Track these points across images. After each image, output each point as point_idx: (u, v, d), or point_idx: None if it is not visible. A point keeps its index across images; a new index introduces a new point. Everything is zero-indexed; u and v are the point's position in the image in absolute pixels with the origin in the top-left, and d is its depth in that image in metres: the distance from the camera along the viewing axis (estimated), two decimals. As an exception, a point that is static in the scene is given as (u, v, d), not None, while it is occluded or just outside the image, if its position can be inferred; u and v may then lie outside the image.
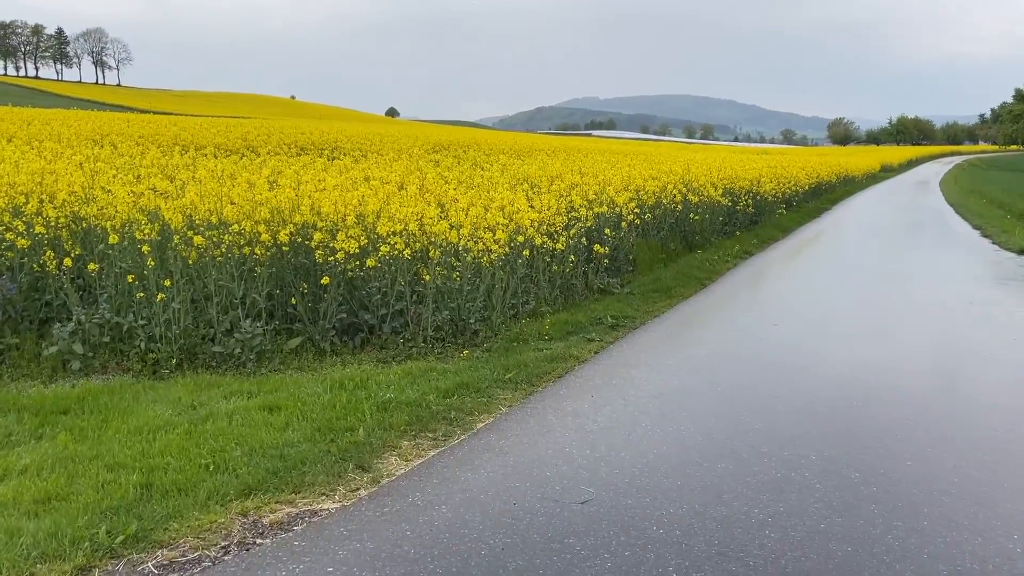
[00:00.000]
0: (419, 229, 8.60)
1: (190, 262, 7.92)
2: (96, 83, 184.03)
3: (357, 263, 8.36)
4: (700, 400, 6.58)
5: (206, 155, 17.84)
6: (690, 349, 8.49)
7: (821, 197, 35.17)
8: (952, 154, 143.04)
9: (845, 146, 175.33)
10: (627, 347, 8.40)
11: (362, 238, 8.48)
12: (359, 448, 5.41)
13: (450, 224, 8.85)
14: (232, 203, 8.25)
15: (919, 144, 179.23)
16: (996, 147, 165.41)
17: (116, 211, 8.06)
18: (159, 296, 7.50)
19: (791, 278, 13.66)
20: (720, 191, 18.08)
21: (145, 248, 7.64)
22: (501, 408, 6.43)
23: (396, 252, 8.31)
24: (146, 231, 7.77)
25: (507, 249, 9.32)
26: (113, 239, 7.84)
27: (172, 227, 7.81)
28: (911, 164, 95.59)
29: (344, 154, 20.63)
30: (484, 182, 11.67)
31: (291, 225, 8.26)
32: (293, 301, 8.23)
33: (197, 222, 7.98)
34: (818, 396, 6.71)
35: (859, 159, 64.78)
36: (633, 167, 17.39)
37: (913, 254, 17.68)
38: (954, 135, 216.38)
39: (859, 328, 9.47)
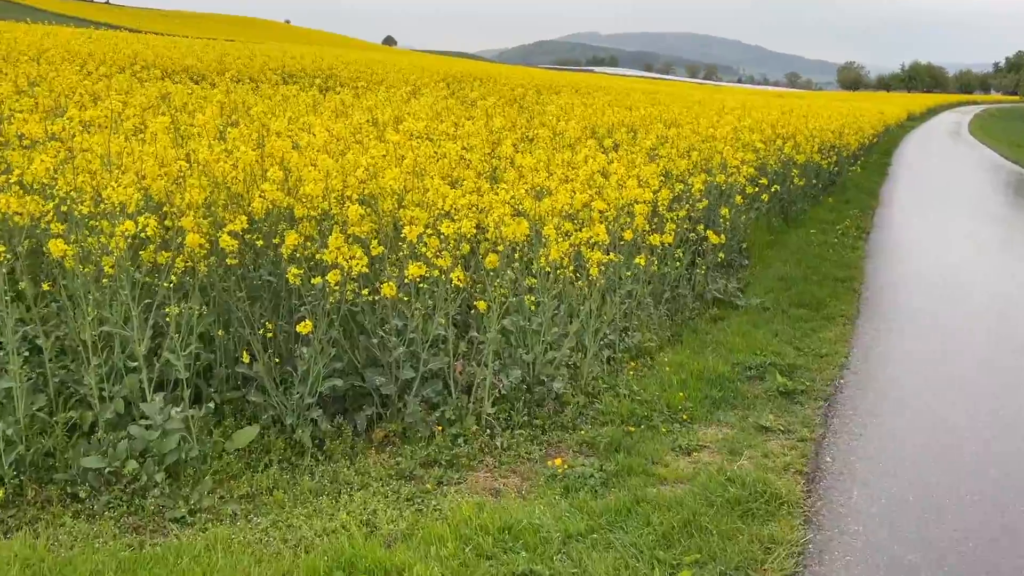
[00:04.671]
0: (473, 226, 4.81)
1: (45, 287, 4.18)
2: None
3: (365, 290, 4.61)
4: None
5: (175, 80, 13.83)
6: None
7: (872, 149, 31.77)
8: (968, 103, 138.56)
9: (855, 91, 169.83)
10: (850, 459, 4.71)
11: (373, 242, 4.72)
12: None
13: (529, 219, 5.08)
14: (139, 177, 4.44)
15: (931, 92, 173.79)
16: (1017, 97, 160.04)
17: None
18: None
19: (992, 285, 9.84)
20: (816, 146, 14.28)
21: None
22: None
23: (437, 274, 4.56)
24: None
25: (612, 255, 5.57)
26: None
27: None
28: (930, 113, 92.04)
29: (341, 85, 16.59)
30: (543, 136, 7.84)
31: (241, 216, 4.47)
32: (244, 357, 4.50)
33: (44, 210, 4.20)
34: None
35: (891, 107, 61.12)
36: (724, 114, 13.48)
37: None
38: (967, 83, 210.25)
39: None
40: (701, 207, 7.51)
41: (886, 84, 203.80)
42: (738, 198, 8.77)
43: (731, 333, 6.88)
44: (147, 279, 4.65)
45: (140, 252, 4.29)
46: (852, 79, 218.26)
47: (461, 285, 4.58)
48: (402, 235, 4.59)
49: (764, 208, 10.33)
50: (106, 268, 4.05)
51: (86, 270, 4.17)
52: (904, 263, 10.39)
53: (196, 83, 14.34)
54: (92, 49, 17.83)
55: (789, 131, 12.75)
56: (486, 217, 5.01)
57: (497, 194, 5.09)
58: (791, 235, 11.59)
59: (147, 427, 4.15)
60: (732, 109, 15.66)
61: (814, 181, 14.54)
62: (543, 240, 5.17)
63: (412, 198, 5.02)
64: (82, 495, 3.92)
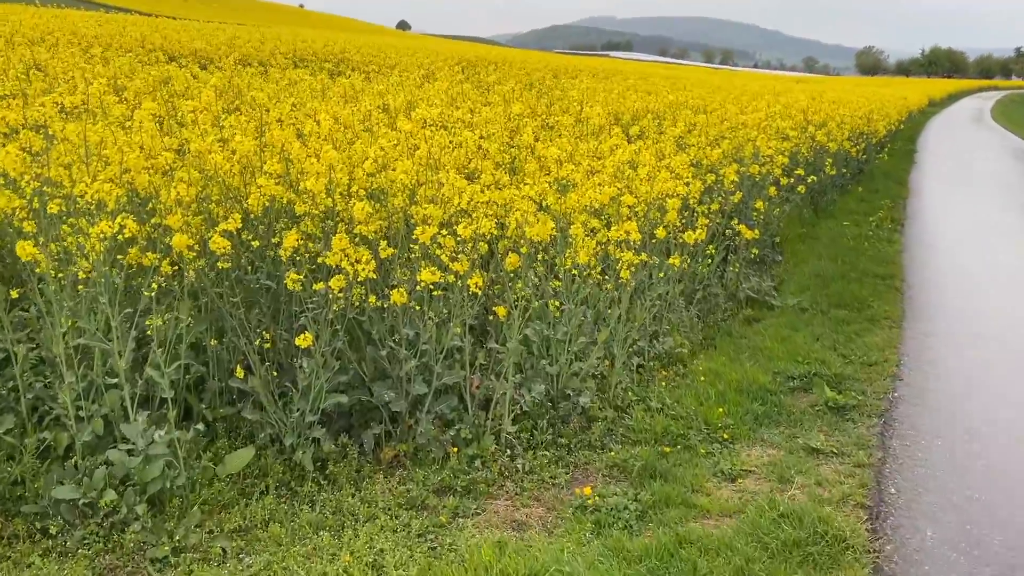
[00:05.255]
0: (494, 226, 4.31)
1: (14, 294, 3.73)
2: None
3: (372, 297, 4.14)
4: None
5: (181, 65, 13.36)
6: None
7: (896, 136, 31.07)
8: (989, 88, 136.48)
9: (874, 76, 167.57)
10: (918, 491, 4.21)
11: (382, 243, 4.25)
12: None
13: (552, 215, 4.59)
14: (125, 171, 3.96)
15: (950, 77, 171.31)
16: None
17: None
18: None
19: None
20: (846, 133, 13.68)
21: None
22: None
23: (453, 279, 4.08)
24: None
25: (644, 255, 5.07)
26: None
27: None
28: (951, 99, 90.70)
29: (352, 69, 16.09)
30: (565, 123, 7.31)
31: (236, 214, 3.99)
32: (239, 372, 4.03)
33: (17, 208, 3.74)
34: None
35: (912, 92, 60.12)
36: (753, 99, 12.88)
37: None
38: (987, 69, 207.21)
39: None
40: (736, 200, 6.99)
41: (905, 69, 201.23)
42: (771, 189, 8.24)
43: (768, 337, 6.37)
44: (132, 282, 4.21)
45: (121, 255, 3.82)
46: (871, 64, 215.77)
47: (479, 292, 4.08)
48: (414, 235, 4.10)
49: (798, 200, 9.79)
50: (80, 274, 3.59)
51: (59, 275, 3.72)
52: (943, 257, 9.83)
53: (203, 68, 13.87)
54: (99, 32, 17.40)
55: (821, 117, 12.16)
56: (507, 215, 4.52)
57: (520, 188, 4.59)
58: (822, 227, 11.03)
59: (128, 451, 3.70)
60: (760, 94, 15.06)
61: (843, 170, 13.95)
62: (568, 239, 4.67)
63: (425, 193, 4.54)
64: (53, 530, 3.48)
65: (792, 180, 8.64)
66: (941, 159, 24.46)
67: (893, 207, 13.58)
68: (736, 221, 6.95)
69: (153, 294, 3.62)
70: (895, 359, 5.95)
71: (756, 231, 7.39)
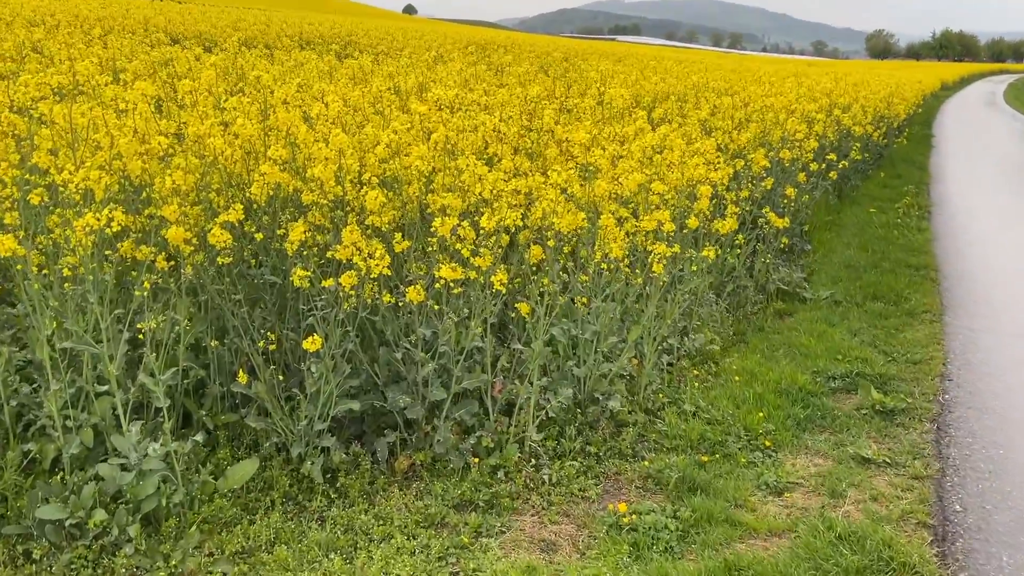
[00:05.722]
0: (519, 217, 3.95)
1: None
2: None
3: (387, 295, 3.79)
4: None
5: (185, 48, 12.98)
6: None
7: (911, 120, 30.58)
8: (1001, 72, 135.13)
9: (884, 60, 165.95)
10: (985, 508, 3.85)
11: (397, 235, 3.89)
12: None
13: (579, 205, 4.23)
14: (116, 158, 3.61)
15: (961, 60, 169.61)
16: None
17: None
18: None
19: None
20: (869, 117, 13.26)
21: None
22: None
23: (474, 276, 3.72)
24: None
25: (677, 246, 4.71)
26: None
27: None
28: (963, 82, 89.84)
29: (360, 51, 15.69)
30: (586, 106, 6.92)
31: (237, 205, 3.64)
32: (241, 377, 3.69)
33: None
34: None
35: (925, 76, 59.46)
36: (776, 81, 12.44)
37: None
38: (999, 52, 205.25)
39: None
40: (767, 186, 6.61)
41: (916, 53, 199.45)
42: (801, 175, 7.86)
43: (803, 332, 6.01)
44: (128, 276, 3.87)
45: (110, 250, 3.48)
46: (881, 48, 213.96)
47: (503, 290, 3.73)
48: (432, 227, 3.74)
49: (828, 186, 9.40)
50: (65, 271, 3.25)
51: (45, 272, 3.39)
52: (976, 247, 9.43)
53: (208, 50, 13.49)
54: (102, 15, 17.03)
55: (846, 100, 11.74)
56: (533, 205, 4.16)
57: (547, 176, 4.23)
58: (847, 214, 10.64)
59: (120, 466, 3.37)
60: (783, 76, 14.62)
61: (865, 155, 13.55)
62: (596, 231, 4.31)
63: (442, 181, 4.18)
64: (37, 554, 3.15)
65: (824, 165, 8.25)
66: (959, 143, 24.05)
67: (917, 193, 13.19)
68: (768, 209, 6.57)
69: (146, 293, 3.28)
70: (940, 356, 5.58)
71: (786, 219, 7.01)
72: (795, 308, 6.68)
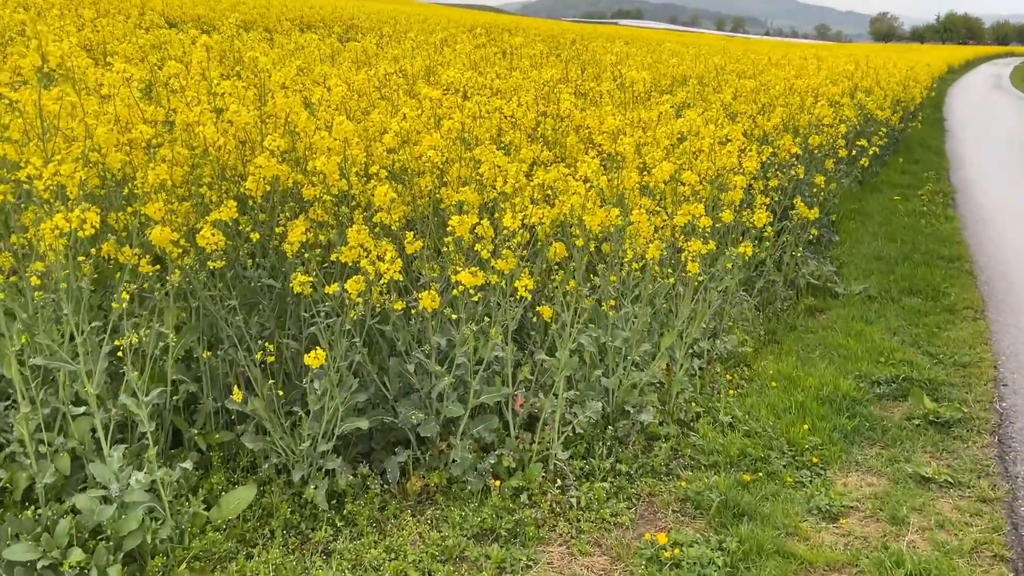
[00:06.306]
0: (545, 214, 3.55)
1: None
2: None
3: (399, 303, 3.39)
4: None
5: (182, 31, 12.53)
6: None
7: (922, 103, 30.10)
8: (1006, 55, 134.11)
9: (888, 43, 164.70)
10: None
11: (408, 235, 3.49)
12: None
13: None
14: (93, 149, 3.22)
15: (966, 44, 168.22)
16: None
17: None
18: None
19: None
20: (889, 100, 12.81)
21: None
22: None
23: (496, 280, 3.33)
24: None
25: (712, 243, 4.30)
26: None
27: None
28: (968, 65, 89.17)
29: (363, 34, 15.24)
30: (605, 90, 6.50)
31: (230, 202, 3.24)
32: (236, 394, 3.30)
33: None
34: None
35: (932, 59, 58.88)
36: (796, 64, 11.98)
37: None
38: (1004, 35, 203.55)
39: None
40: (798, 174, 6.21)
41: (920, 36, 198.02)
42: (829, 163, 7.45)
43: (839, 331, 5.63)
44: (110, 281, 3.50)
45: (88, 252, 3.10)
46: (885, 31, 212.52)
47: (528, 296, 3.34)
48: (449, 226, 3.34)
49: (858, 173, 8.98)
50: (33, 279, 2.86)
51: (13, 279, 3.00)
52: (1008, 236, 9.02)
53: (206, 34, 13.05)
54: (95, -2, 16.52)
55: (868, 83, 11.30)
56: (555, 197, 3.76)
57: (572, 167, 3.84)
58: (871, 202, 10.22)
59: (101, 498, 3.00)
60: (805, 58, 14.16)
61: (885, 140, 13.12)
62: (626, 228, 3.92)
63: (459, 173, 3.78)
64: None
65: (855, 152, 7.84)
66: (972, 127, 23.64)
67: (938, 179, 12.79)
68: (799, 199, 6.16)
69: (124, 305, 2.89)
70: (990, 359, 5.19)
71: (816, 209, 6.61)
72: (827, 304, 6.29)
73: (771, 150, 6.31)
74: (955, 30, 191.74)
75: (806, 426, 4.17)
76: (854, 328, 5.66)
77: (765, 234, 5.98)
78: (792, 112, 7.46)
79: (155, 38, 8.47)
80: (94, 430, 3.14)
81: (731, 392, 4.62)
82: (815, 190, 6.89)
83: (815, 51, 30.80)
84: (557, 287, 3.83)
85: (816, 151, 7.20)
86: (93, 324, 3.03)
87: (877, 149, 8.94)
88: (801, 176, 6.23)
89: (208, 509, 3.23)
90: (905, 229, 8.74)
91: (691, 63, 9.83)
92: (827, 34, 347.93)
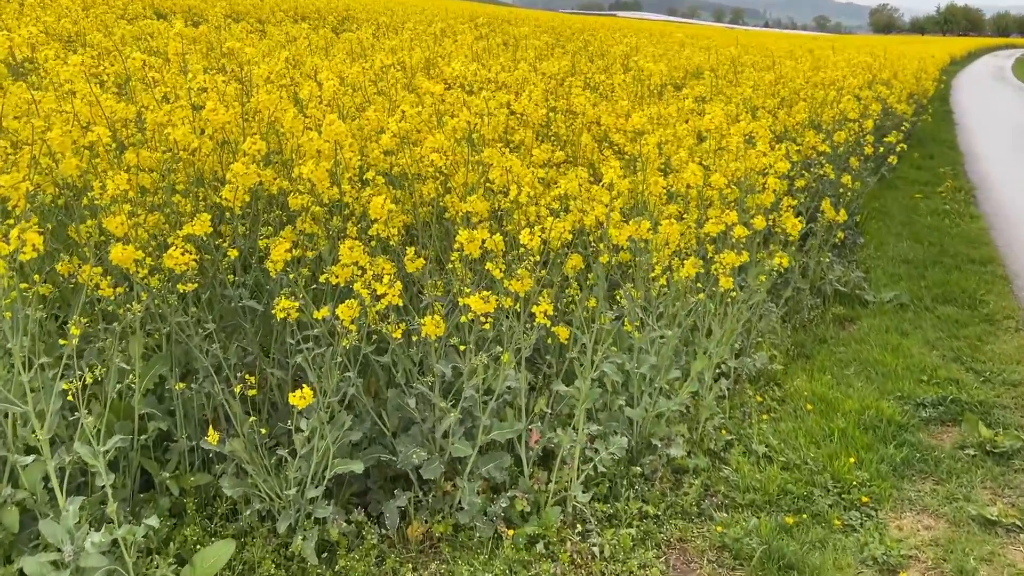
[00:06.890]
0: (567, 227, 3.11)
1: None
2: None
3: (397, 331, 2.96)
4: None
5: (170, 23, 12.08)
6: None
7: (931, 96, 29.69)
8: (1006, 47, 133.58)
9: (888, 35, 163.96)
10: None
11: (410, 251, 3.06)
12: None
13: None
14: (38, 157, 2.79)
15: (966, 35, 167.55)
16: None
17: None
18: None
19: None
20: (905, 94, 12.37)
21: None
22: None
23: (509, 304, 2.90)
24: None
25: (746, 255, 3.87)
26: None
27: None
28: (970, 57, 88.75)
29: (358, 25, 14.77)
30: (618, 82, 6.07)
31: (203, 215, 2.81)
32: (211, 436, 2.86)
33: None
34: None
35: (936, 51, 58.45)
36: (812, 55, 11.52)
37: None
38: (1004, 27, 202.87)
39: None
40: (827, 174, 5.78)
41: (920, 27, 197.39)
42: (853, 160, 7.02)
43: (873, 345, 5.21)
44: (69, 303, 3.08)
45: (39, 274, 2.67)
46: (885, 22, 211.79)
47: (548, 323, 2.91)
48: (456, 243, 2.91)
49: (885, 172, 8.55)
50: None
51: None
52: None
53: (196, 25, 12.58)
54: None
55: (886, 75, 10.86)
56: (575, 205, 3.33)
57: (591, 170, 3.41)
58: (890, 200, 9.80)
59: (52, 562, 2.57)
60: (823, 49, 13.70)
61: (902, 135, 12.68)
62: (651, 241, 3.48)
63: (466, 178, 3.35)
64: None
65: (882, 148, 7.41)
66: (980, 119, 23.22)
67: (955, 175, 12.34)
68: (827, 201, 5.73)
69: (75, 342, 2.46)
70: (1042, 378, 4.77)
71: (843, 211, 6.18)
72: (856, 313, 5.86)
73: (796, 147, 5.89)
74: (955, 21, 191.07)
75: (852, 459, 3.76)
76: (890, 341, 5.24)
77: (791, 239, 5.57)
78: (815, 107, 7.04)
79: (139, 29, 8.03)
80: (47, 479, 2.71)
81: (764, 417, 4.20)
82: (841, 190, 6.46)
83: (829, 42, 30.35)
84: (575, 304, 3.42)
85: (840, 148, 6.77)
86: (43, 360, 2.60)
87: (905, 146, 8.51)
88: (831, 176, 5.79)
89: (181, 566, 2.81)
90: (930, 229, 8.32)
91: (704, 55, 9.38)
92: (826, 25, 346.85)
